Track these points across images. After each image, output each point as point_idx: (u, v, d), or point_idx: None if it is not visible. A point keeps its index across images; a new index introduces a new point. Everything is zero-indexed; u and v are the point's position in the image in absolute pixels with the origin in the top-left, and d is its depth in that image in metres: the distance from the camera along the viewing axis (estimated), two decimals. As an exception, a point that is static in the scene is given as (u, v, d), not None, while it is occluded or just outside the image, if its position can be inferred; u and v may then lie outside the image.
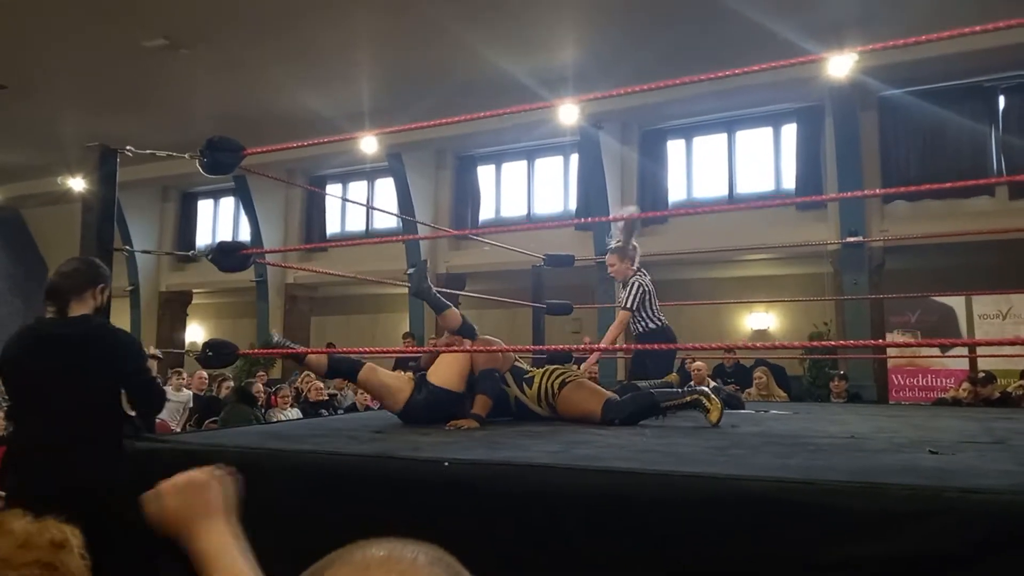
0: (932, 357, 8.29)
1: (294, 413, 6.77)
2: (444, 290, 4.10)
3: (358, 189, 13.31)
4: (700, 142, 10.92)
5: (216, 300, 15.52)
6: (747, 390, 7.12)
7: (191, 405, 7.70)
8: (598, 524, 1.83)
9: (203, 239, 14.55)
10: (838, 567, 1.60)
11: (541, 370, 3.63)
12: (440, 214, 12.18)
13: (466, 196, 12.16)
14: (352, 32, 7.81)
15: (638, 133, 10.98)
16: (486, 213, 12.15)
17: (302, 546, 2.05)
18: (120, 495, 2.35)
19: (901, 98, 9.29)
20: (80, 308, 2.52)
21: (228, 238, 14.03)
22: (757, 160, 10.58)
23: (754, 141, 10.65)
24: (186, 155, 3.07)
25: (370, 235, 12.73)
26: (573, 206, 11.30)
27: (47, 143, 11.15)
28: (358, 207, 13.31)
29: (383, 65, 8.79)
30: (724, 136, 10.73)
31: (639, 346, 4.36)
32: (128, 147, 2.97)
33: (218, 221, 14.71)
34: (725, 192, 10.59)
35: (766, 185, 10.43)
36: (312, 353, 3.70)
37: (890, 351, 8.04)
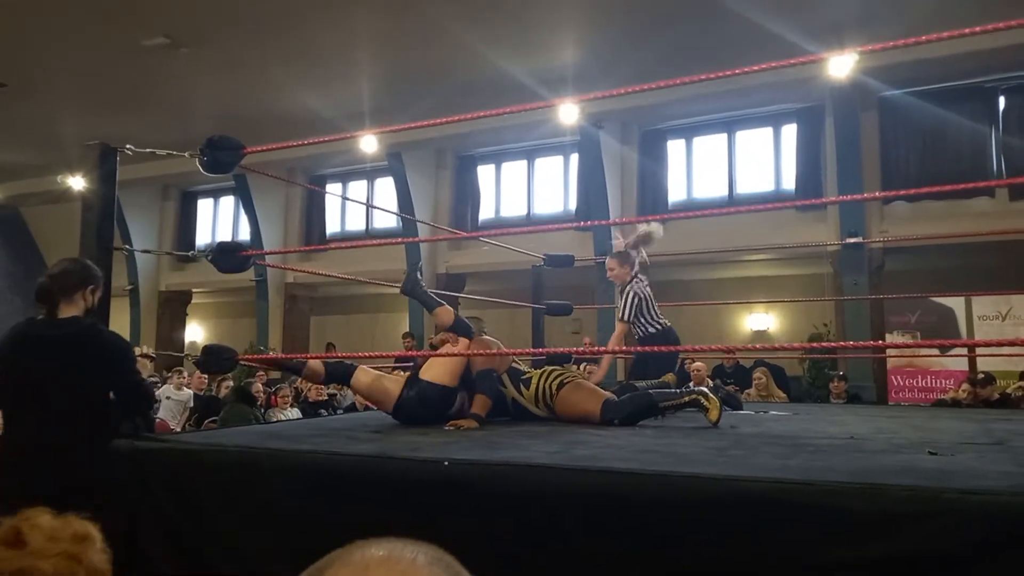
0: (931, 358, 8.29)
1: (294, 413, 6.78)
2: (443, 292, 4.10)
3: (358, 188, 13.31)
4: (700, 142, 10.91)
5: (216, 299, 15.52)
6: (746, 391, 7.12)
7: (191, 405, 7.70)
8: (598, 524, 1.82)
9: (203, 238, 14.54)
10: (837, 568, 1.60)
11: (539, 371, 3.63)
12: (440, 214, 12.18)
13: (466, 196, 12.16)
14: (352, 32, 7.81)
15: (638, 133, 10.97)
16: (486, 213, 12.15)
17: (301, 546, 2.06)
18: (113, 494, 2.36)
19: (901, 99, 9.29)
20: (70, 310, 2.53)
21: (228, 237, 14.05)
22: (757, 160, 10.57)
23: (754, 141, 10.64)
24: (186, 154, 3.07)
25: (370, 235, 12.75)
26: (573, 206, 11.31)
27: (47, 142, 11.14)
28: (358, 206, 13.32)
29: (383, 65, 8.79)
30: (724, 136, 10.72)
31: (639, 348, 4.37)
32: (128, 146, 2.97)
33: (218, 220, 14.70)
34: (725, 192, 10.59)
35: (766, 185, 10.43)
36: (309, 358, 3.72)
37: (890, 352, 8.05)
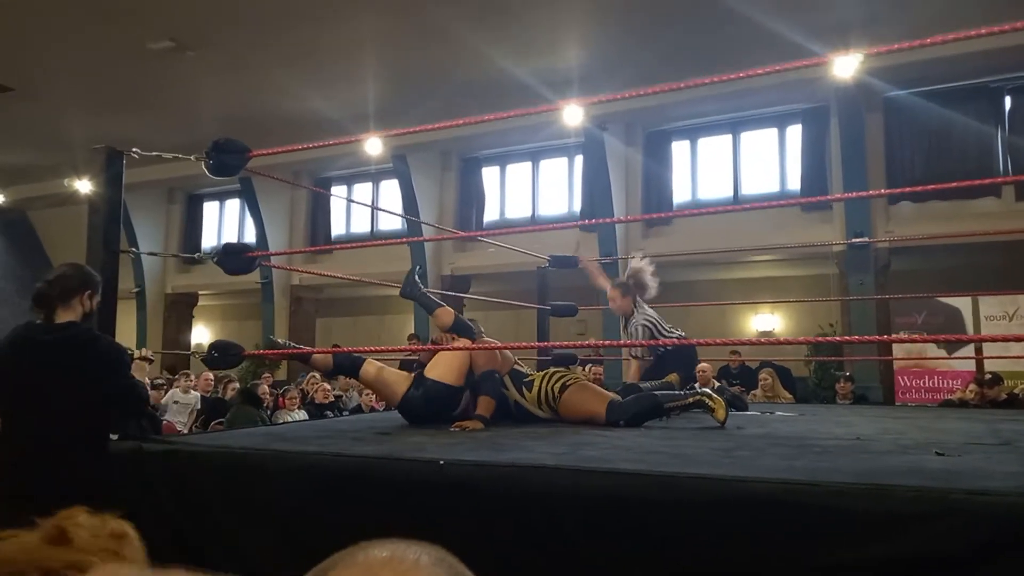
0: (938, 359, 8.25)
1: (301, 415, 6.80)
2: (448, 293, 4.12)
3: (363, 191, 13.33)
4: (705, 143, 10.90)
5: (222, 302, 15.56)
6: (752, 391, 7.11)
7: (198, 407, 7.71)
8: (604, 525, 1.82)
9: (209, 241, 14.58)
10: (843, 568, 1.60)
11: (541, 373, 3.64)
12: (445, 215, 12.19)
13: (471, 197, 12.16)
14: (357, 34, 7.83)
15: (643, 134, 10.97)
16: (491, 215, 12.16)
17: (306, 547, 2.07)
18: (111, 496, 2.37)
19: (907, 99, 9.26)
20: (66, 314, 2.55)
21: (234, 239, 14.02)
22: (762, 161, 10.55)
23: (759, 142, 10.62)
24: (192, 157, 3.08)
25: (375, 237, 12.76)
26: (578, 208, 11.30)
27: (54, 145, 11.19)
28: (363, 209, 13.34)
29: (388, 67, 8.81)
30: (729, 137, 10.71)
31: (647, 342, 4.39)
32: (134, 149, 2.98)
33: (223, 223, 14.75)
34: (730, 193, 10.57)
35: (771, 186, 10.41)
36: (317, 353, 3.78)
37: (896, 353, 8.01)
